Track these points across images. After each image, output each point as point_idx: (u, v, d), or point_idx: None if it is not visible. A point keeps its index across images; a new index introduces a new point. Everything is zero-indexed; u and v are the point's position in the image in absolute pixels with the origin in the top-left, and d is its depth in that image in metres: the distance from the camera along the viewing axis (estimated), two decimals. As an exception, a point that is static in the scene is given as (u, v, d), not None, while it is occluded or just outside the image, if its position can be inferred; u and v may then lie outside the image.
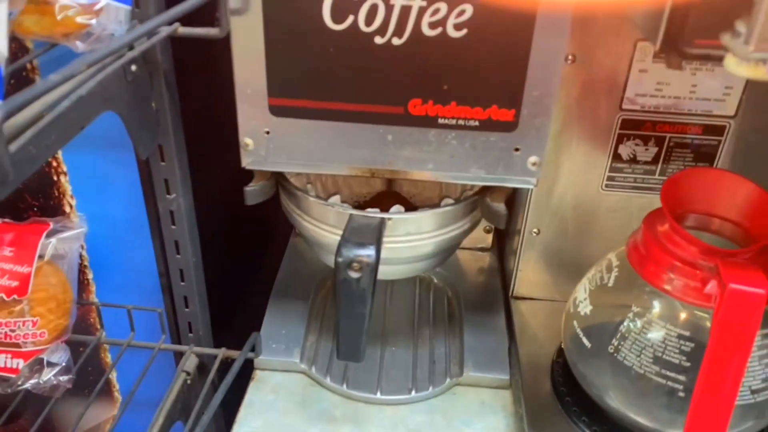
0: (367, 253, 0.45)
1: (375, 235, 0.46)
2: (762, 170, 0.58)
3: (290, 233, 0.77)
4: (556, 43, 0.43)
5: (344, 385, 0.59)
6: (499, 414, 0.58)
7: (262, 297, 0.68)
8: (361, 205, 0.64)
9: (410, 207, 0.60)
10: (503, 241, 0.75)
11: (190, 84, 0.49)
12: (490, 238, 0.76)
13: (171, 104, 0.47)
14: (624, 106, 0.56)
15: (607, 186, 0.60)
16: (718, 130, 0.56)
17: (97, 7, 0.36)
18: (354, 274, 0.45)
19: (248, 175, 0.53)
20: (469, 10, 0.42)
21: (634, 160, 0.58)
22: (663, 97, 0.55)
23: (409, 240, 0.51)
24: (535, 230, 0.64)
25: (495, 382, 0.60)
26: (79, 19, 0.35)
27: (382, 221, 0.48)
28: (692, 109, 0.55)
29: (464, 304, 0.68)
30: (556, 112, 0.55)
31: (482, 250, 0.76)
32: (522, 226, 0.64)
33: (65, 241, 0.52)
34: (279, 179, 0.54)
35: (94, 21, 0.36)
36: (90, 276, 0.61)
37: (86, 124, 0.37)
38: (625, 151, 0.58)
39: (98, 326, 0.63)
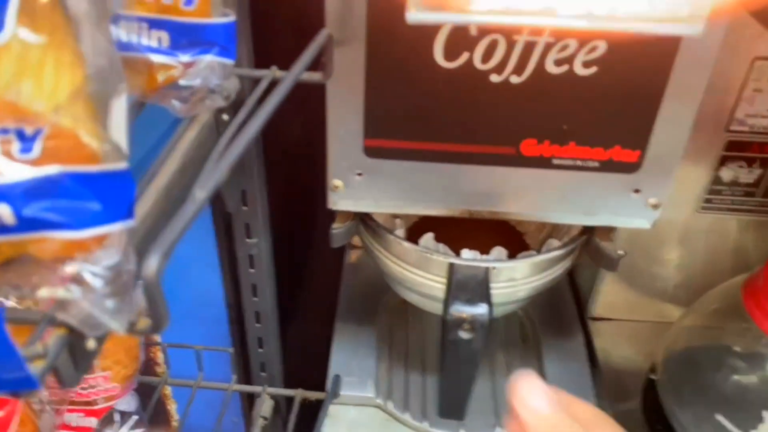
0: (480, 311, 0.41)
1: (484, 290, 0.43)
2: None
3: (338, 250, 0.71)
4: (697, 77, 0.39)
5: (425, 423, 0.56)
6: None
7: (307, 311, 0.64)
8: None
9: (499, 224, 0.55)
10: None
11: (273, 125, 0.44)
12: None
13: (256, 149, 0.42)
14: (731, 128, 0.52)
15: (704, 208, 0.56)
16: (830, 151, 0.52)
17: (202, 65, 0.31)
18: (465, 335, 0.41)
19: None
20: (602, 46, 0.37)
21: (735, 182, 0.54)
22: (776, 117, 0.50)
23: (508, 286, 0.47)
24: (620, 251, 0.60)
25: (583, 414, 0.57)
26: (182, 82, 0.30)
27: (487, 271, 0.44)
28: (805, 129, 0.51)
29: (538, 326, 0.65)
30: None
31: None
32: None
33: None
34: (363, 216, 0.49)
35: (198, 80, 0.31)
36: (151, 313, 0.57)
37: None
38: (726, 173, 0.54)
39: (158, 362, 0.60)
